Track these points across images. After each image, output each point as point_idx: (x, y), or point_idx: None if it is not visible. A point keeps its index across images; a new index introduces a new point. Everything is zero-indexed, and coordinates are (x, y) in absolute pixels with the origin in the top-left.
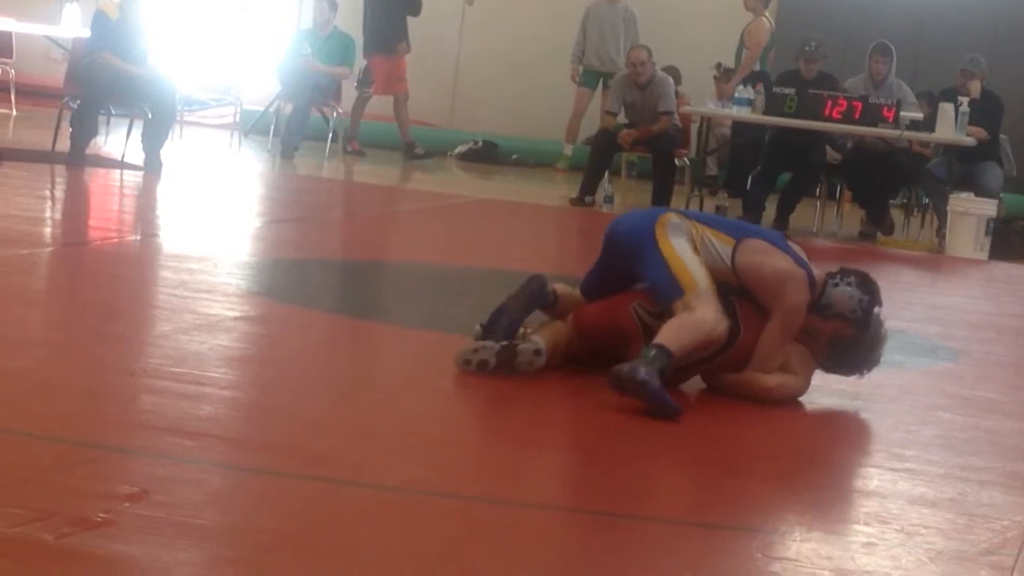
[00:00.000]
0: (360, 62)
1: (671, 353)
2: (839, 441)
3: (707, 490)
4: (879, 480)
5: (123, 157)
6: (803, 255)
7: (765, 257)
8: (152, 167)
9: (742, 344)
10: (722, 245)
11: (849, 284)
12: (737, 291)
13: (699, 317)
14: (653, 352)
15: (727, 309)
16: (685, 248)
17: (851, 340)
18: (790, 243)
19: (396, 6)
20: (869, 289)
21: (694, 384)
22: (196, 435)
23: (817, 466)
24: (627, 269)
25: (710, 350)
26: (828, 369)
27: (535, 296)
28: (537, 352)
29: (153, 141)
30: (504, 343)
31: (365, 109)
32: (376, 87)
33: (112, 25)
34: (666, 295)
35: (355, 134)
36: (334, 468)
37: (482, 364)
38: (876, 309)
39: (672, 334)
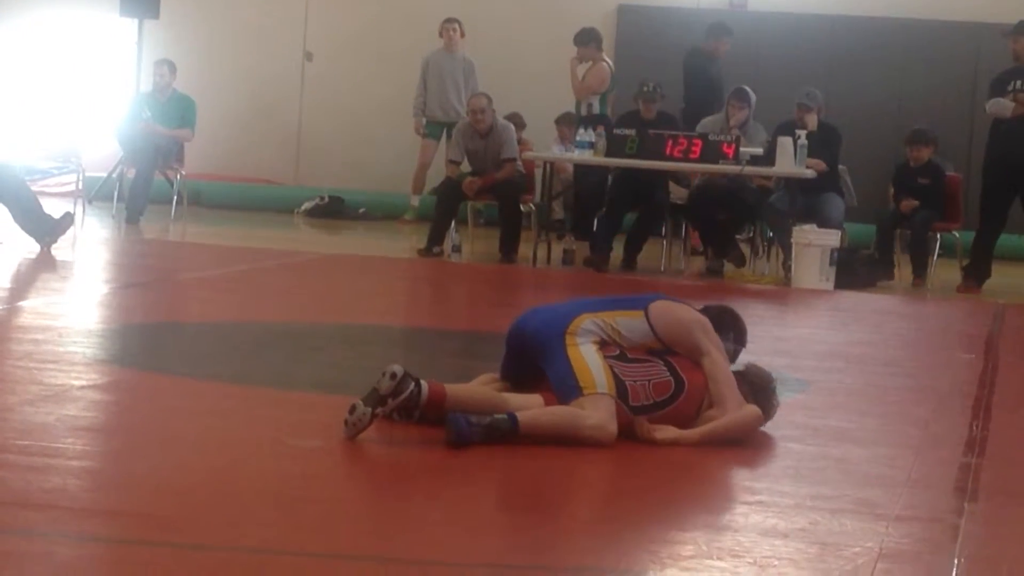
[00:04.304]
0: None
1: (517, 425)
2: (689, 477)
3: (553, 531)
4: (731, 514)
5: None
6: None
7: (672, 314)
8: (46, 240)
9: (690, 391)
10: (636, 321)
11: (708, 308)
12: (666, 351)
13: (584, 415)
14: (502, 417)
15: (668, 368)
16: (591, 352)
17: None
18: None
19: None
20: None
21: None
22: (43, 507)
23: (668, 503)
24: (534, 363)
25: (653, 399)
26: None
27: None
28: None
29: (31, 222)
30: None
31: None
32: None
33: None
34: (567, 394)
35: None
36: (184, 532)
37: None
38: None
39: (541, 414)
